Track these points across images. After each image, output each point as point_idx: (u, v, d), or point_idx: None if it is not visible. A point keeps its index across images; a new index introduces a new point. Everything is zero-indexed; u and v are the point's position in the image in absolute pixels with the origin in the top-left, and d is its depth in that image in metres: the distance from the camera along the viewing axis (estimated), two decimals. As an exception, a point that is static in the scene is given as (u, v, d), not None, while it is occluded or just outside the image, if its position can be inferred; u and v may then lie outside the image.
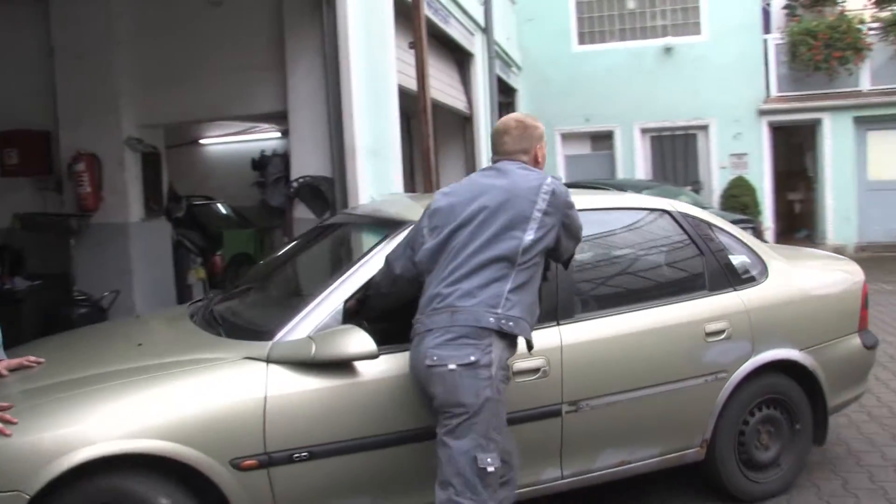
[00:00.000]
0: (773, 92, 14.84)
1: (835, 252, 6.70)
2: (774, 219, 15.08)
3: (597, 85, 15.23)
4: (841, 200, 14.70)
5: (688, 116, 15.10)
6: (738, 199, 14.27)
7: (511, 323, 2.91)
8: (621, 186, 12.03)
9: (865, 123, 14.85)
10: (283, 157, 6.79)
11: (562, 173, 15.34)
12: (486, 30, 11.29)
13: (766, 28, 15.34)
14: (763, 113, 14.86)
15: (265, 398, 2.98)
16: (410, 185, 10.02)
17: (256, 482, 2.97)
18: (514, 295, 2.94)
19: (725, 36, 14.93)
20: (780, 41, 14.72)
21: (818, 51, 14.02)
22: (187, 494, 2.91)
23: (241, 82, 6.50)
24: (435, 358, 2.87)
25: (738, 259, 4.10)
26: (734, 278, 4.00)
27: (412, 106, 7.27)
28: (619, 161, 15.42)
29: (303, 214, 6.31)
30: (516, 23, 15.00)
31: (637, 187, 11.98)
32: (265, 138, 10.28)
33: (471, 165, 11.12)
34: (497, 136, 3.26)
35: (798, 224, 16.32)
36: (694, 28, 15.24)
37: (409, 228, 3.32)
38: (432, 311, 2.94)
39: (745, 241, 4.27)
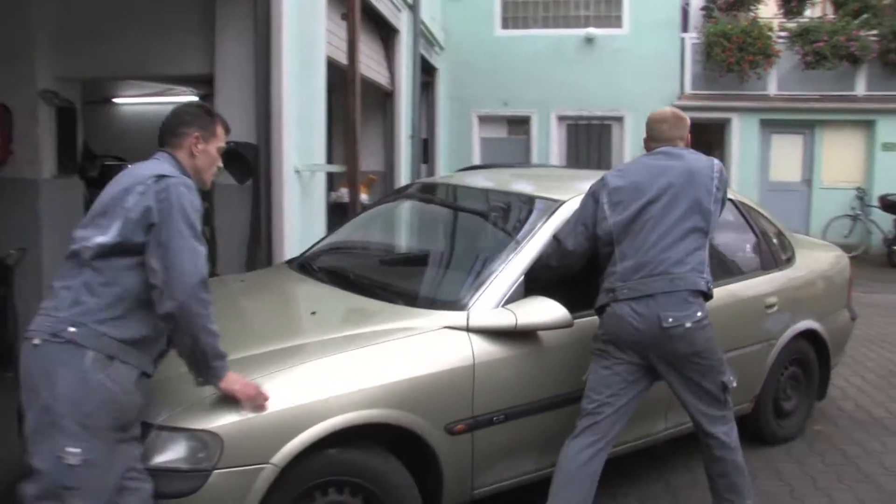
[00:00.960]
0: (688, 89, 15.27)
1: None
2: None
3: (517, 70, 15.37)
4: (744, 198, 15.21)
5: (604, 107, 15.39)
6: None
7: (711, 285, 3.46)
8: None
9: (770, 126, 15.44)
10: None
11: (477, 156, 15.47)
12: (413, 7, 11.24)
13: (685, 27, 15.77)
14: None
15: (474, 365, 3.23)
16: (329, 158, 9.93)
17: (463, 445, 3.24)
18: (708, 261, 3.48)
19: (645, 31, 15.27)
20: (697, 41, 15.16)
21: (731, 53, 14.47)
22: (394, 462, 3.08)
23: (167, 41, 6.25)
24: (671, 320, 3.30)
25: (779, 243, 4.94)
26: (779, 260, 4.83)
27: (337, 79, 7.21)
28: (535, 146, 15.62)
29: (224, 180, 6.21)
30: (442, 2, 14.97)
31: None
32: (184, 101, 9.97)
33: (390, 141, 11.09)
34: (655, 124, 3.71)
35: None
36: (615, 21, 15.52)
37: (562, 208, 3.77)
38: (645, 278, 3.34)
39: (780, 228, 5.06)
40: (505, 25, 15.72)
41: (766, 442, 4.84)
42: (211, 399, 2.75)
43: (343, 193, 7.88)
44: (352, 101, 6.49)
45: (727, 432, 3.47)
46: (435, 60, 14.42)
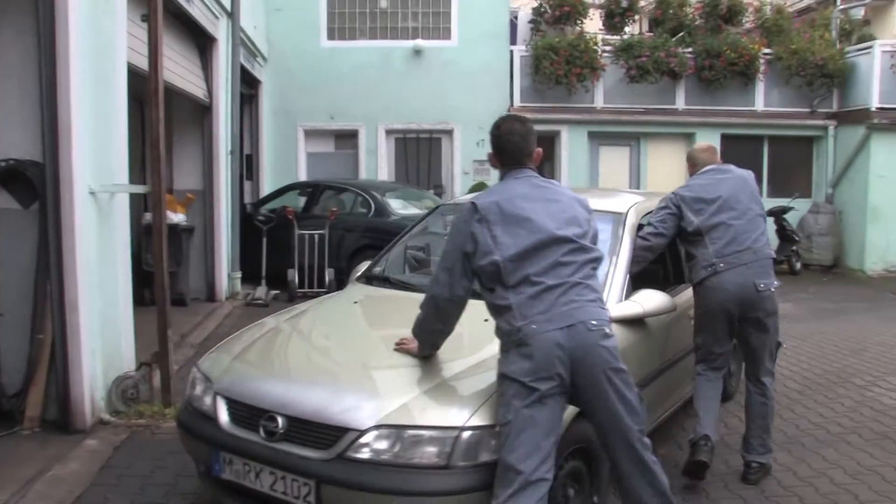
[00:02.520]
0: (517, 102, 15.19)
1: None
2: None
3: (344, 82, 14.79)
4: (575, 211, 15.30)
5: (433, 120, 15.07)
6: (481, 206, 14.39)
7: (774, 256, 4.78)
8: (364, 187, 11.74)
9: (598, 139, 15.62)
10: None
11: (303, 171, 14.82)
12: (232, 15, 10.51)
13: (513, 39, 15.72)
14: (506, 122, 15.12)
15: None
16: (141, 177, 9.08)
17: None
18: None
19: (474, 43, 15.08)
20: (526, 53, 15.10)
21: (559, 66, 14.50)
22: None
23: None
24: (762, 285, 4.53)
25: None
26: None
27: (146, 89, 6.45)
28: (363, 161, 15.03)
29: (5, 203, 5.35)
30: (265, 11, 14.22)
31: (380, 189, 11.73)
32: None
33: (209, 157, 10.29)
34: (699, 154, 5.02)
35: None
36: (444, 32, 15.24)
37: (628, 216, 4.82)
38: (736, 254, 4.53)
39: None
40: (331, 36, 15.09)
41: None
42: None
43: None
44: (155, 114, 5.75)
45: (772, 383, 4.75)
46: (258, 72, 13.69)
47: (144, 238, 8.59)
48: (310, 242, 10.88)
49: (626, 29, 16.05)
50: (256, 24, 13.04)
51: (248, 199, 13.51)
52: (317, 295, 10.66)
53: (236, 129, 10.97)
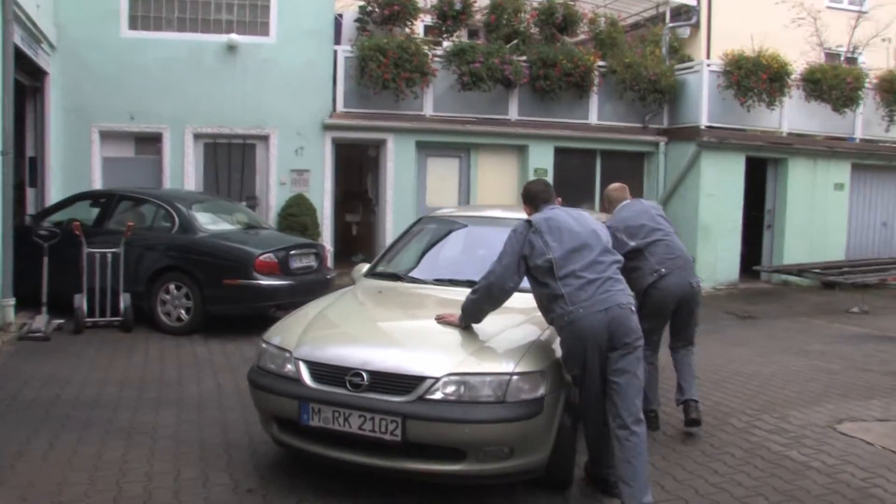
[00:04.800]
0: (340, 107, 14.10)
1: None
2: (333, 241, 14.35)
3: (147, 79, 13.21)
4: (401, 224, 14.33)
5: (248, 124, 13.72)
6: (297, 219, 13.26)
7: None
8: (167, 199, 10.38)
9: (426, 149, 14.79)
10: None
11: (98, 178, 13.17)
12: (5, -15, 8.96)
13: (338, 39, 14.59)
14: (328, 128, 14.03)
15: None
16: None
17: None
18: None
19: (295, 41, 13.87)
20: (351, 54, 13.98)
21: (387, 69, 13.50)
22: None
23: None
24: (695, 282, 6.06)
25: None
26: None
27: None
28: (168, 168, 13.45)
29: None
30: (52, -10, 12.51)
31: (186, 201, 10.40)
32: None
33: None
34: (615, 192, 6.37)
35: (356, 247, 15.86)
36: (262, 27, 13.90)
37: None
38: (671, 260, 5.92)
39: None
40: (133, 25, 13.38)
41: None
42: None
43: None
44: None
45: (692, 347, 6.32)
46: (43, 62, 11.94)
47: None
48: (101, 262, 9.53)
49: (456, 35, 15.21)
50: (39, 3, 11.31)
51: (32, 209, 11.87)
52: (109, 325, 9.49)
53: (10, 126, 9.38)
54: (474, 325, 4.83)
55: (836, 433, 6.27)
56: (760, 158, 15.89)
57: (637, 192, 16.04)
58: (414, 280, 6.10)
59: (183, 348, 8.84)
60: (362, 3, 14.77)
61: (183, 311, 9.60)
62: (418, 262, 6.50)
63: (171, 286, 9.62)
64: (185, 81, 13.41)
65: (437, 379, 4.31)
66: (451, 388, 4.32)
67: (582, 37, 16.78)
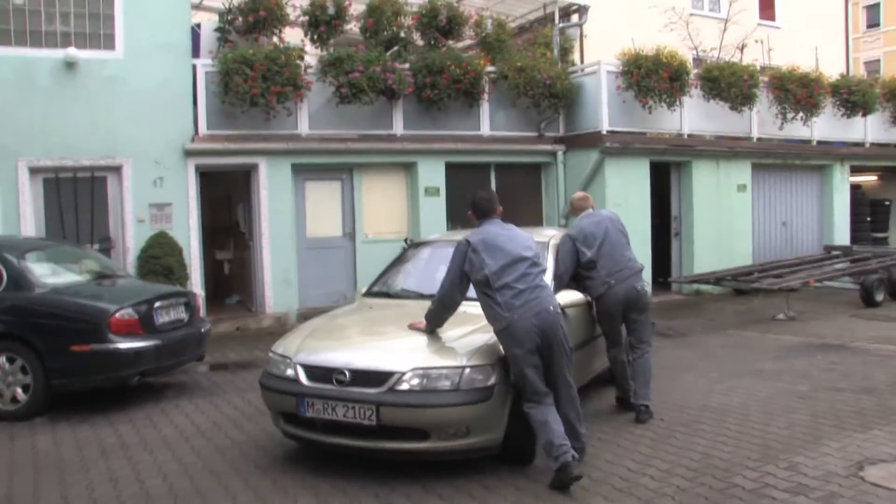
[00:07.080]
0: (203, 129, 12.38)
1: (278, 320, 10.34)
2: (204, 283, 12.54)
3: (-33, 104, 11.17)
4: (280, 261, 12.85)
5: (96, 154, 11.76)
6: (161, 261, 11.47)
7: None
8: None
9: (304, 172, 13.25)
10: None
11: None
12: None
13: (196, 51, 12.84)
14: (190, 154, 12.25)
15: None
16: None
17: None
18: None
19: (146, 55, 12.07)
20: (212, 68, 12.28)
21: (255, 83, 11.89)
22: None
23: None
24: (640, 286, 6.94)
25: None
26: None
27: None
28: (-1, 211, 11.46)
29: None
30: None
31: (17, 249, 8.43)
32: None
33: None
34: (579, 202, 7.40)
35: (230, 288, 14.14)
36: (107, 41, 12.00)
37: (550, 244, 7.15)
38: (619, 272, 6.86)
39: None
40: (-52, 41, 11.35)
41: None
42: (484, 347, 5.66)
43: None
44: None
45: (649, 348, 7.15)
46: None
47: None
48: None
49: (332, 40, 13.66)
50: None
51: None
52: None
53: None
54: (438, 330, 5.87)
55: (867, 484, 5.31)
56: (664, 163, 15.10)
57: (536, 206, 15.12)
58: (398, 296, 7.28)
59: (19, 440, 6.97)
60: (222, 10, 13.04)
61: (19, 390, 7.72)
62: (405, 280, 7.63)
63: (2, 359, 7.74)
64: (15, 105, 11.39)
65: (404, 373, 5.40)
66: (415, 381, 5.39)
67: (468, 41, 15.62)
